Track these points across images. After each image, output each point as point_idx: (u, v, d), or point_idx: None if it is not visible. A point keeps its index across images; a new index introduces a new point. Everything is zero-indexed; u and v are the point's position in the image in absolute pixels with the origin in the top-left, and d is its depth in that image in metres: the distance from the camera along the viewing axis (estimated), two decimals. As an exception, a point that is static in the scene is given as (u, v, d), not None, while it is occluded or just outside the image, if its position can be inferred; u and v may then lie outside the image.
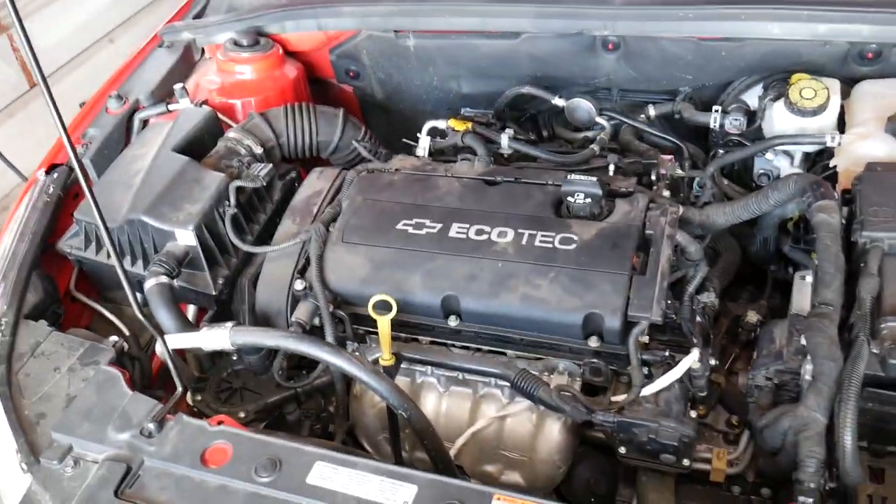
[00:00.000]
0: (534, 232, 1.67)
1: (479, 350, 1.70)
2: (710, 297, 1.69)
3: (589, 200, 1.67)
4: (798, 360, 1.46)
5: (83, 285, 2.06)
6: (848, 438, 1.28)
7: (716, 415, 1.70)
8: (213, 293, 1.84)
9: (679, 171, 1.94)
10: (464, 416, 1.71)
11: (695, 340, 1.54)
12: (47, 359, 1.70)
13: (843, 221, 1.59)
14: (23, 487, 1.48)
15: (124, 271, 1.42)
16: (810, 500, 1.21)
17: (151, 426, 1.42)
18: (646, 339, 1.56)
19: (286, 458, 1.34)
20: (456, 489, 1.26)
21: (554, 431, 1.64)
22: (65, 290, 2.02)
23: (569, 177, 1.70)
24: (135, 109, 2.26)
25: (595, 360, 1.58)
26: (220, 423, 1.45)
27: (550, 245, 1.63)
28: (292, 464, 1.33)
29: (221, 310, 1.90)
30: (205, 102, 2.21)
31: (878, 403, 1.38)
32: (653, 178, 1.86)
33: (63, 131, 1.31)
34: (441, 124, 2.12)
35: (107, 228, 1.43)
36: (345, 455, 1.35)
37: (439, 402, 1.74)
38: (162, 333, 1.58)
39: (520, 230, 1.68)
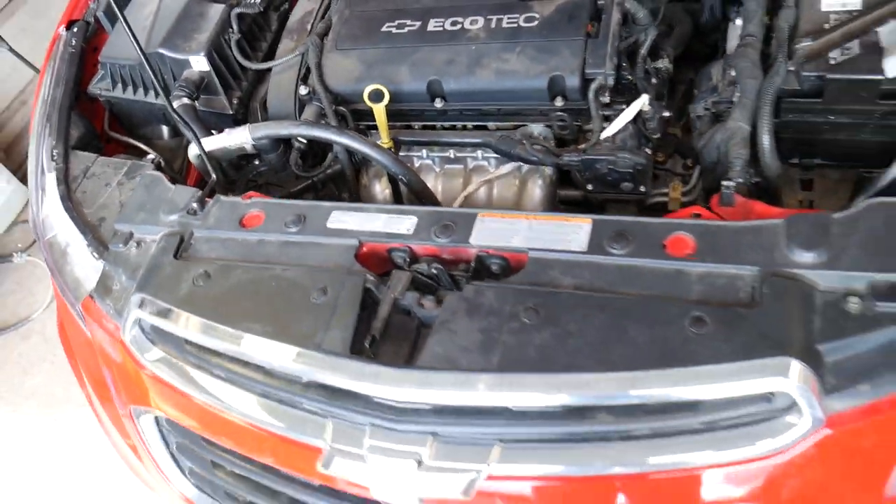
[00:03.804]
0: (500, 16, 1.89)
1: (464, 128, 1.96)
2: (664, 63, 1.92)
3: (545, -18, 1.89)
4: (731, 90, 1.69)
5: (115, 126, 2.32)
6: (766, 137, 1.54)
7: (674, 161, 1.96)
8: (231, 112, 2.10)
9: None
10: (458, 188, 1.99)
11: (645, 88, 1.79)
12: (98, 178, 1.98)
13: None
14: (96, 271, 1.80)
15: (160, 81, 1.67)
16: (732, 183, 1.47)
17: (195, 205, 1.71)
18: (606, 99, 1.80)
19: (309, 212, 1.62)
20: (448, 214, 1.54)
21: (536, 188, 1.91)
22: (100, 131, 2.29)
23: None
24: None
25: (562, 114, 1.83)
26: (251, 198, 1.74)
27: (516, 25, 1.86)
28: (314, 216, 1.61)
29: (239, 129, 2.16)
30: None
31: (798, 114, 1.61)
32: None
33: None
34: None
35: (143, 52, 1.66)
36: (356, 203, 1.64)
37: (436, 180, 2.01)
38: (196, 136, 1.85)
39: (488, 17, 1.90)
